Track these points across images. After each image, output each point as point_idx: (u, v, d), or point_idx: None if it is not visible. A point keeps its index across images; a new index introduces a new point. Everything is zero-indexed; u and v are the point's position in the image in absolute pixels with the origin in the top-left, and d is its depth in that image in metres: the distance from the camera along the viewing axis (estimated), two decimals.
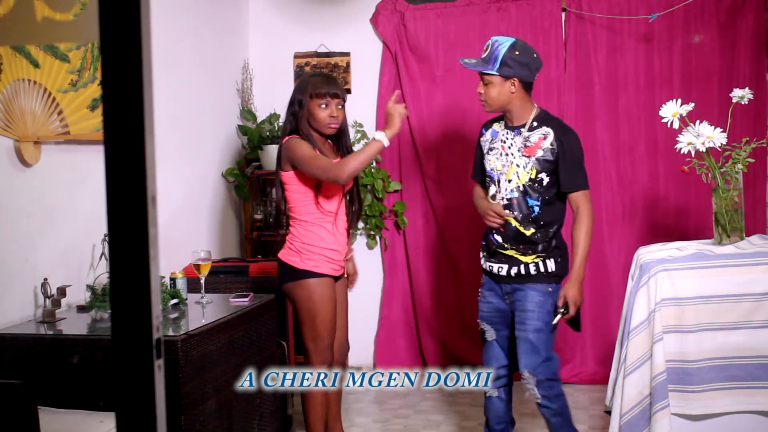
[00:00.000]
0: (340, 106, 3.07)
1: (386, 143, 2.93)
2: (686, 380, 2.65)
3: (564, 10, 4.51)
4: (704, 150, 2.82)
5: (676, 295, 2.67)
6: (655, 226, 4.43)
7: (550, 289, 2.91)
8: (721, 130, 2.82)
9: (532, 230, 2.90)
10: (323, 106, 3.02)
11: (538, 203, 2.89)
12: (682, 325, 2.66)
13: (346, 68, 4.83)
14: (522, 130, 2.93)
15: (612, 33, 4.47)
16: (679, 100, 2.92)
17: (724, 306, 2.64)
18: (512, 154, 2.93)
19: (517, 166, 2.91)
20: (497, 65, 2.86)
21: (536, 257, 2.91)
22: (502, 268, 2.97)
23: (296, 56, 4.89)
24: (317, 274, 3.01)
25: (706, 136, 2.80)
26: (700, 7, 4.33)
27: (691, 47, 4.38)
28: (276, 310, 3.40)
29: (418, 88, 4.69)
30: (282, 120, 4.84)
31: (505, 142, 2.98)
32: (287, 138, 3.03)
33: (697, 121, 2.87)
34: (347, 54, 4.83)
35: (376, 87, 4.78)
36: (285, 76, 4.91)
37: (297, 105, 3.04)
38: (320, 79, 3.08)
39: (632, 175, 4.49)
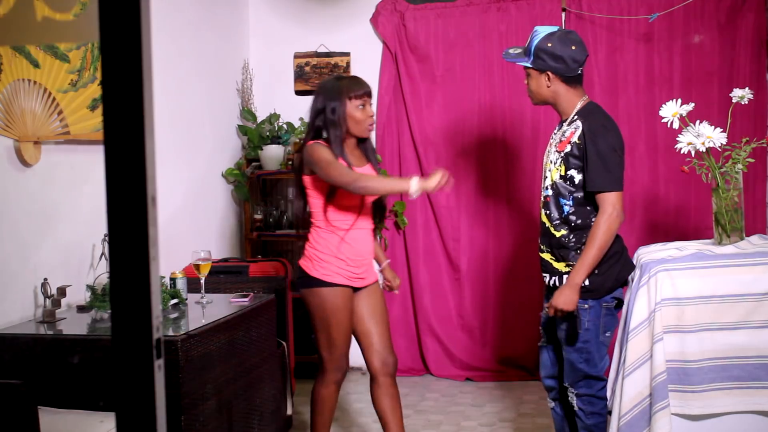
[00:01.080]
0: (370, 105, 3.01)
1: (412, 192, 2.73)
2: (686, 380, 2.65)
3: (564, 10, 4.51)
4: (704, 150, 2.82)
5: (676, 295, 2.67)
6: (655, 226, 4.43)
7: (586, 306, 2.69)
8: (721, 130, 2.82)
9: (563, 232, 2.73)
10: (361, 107, 2.93)
11: (570, 203, 2.71)
12: (682, 325, 2.66)
13: (346, 68, 4.82)
14: (564, 124, 2.78)
15: (612, 33, 4.47)
16: (679, 100, 2.92)
17: (724, 306, 2.64)
18: (550, 151, 2.81)
19: (552, 162, 2.77)
20: (531, 57, 2.73)
21: (568, 266, 2.73)
22: (545, 276, 2.83)
23: (296, 56, 4.89)
24: (329, 283, 2.94)
25: (706, 136, 2.80)
26: (700, 7, 4.33)
27: (691, 47, 4.38)
28: (276, 310, 3.39)
29: (418, 88, 4.70)
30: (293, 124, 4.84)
31: (553, 137, 2.85)
32: (311, 142, 2.92)
33: (697, 121, 2.87)
34: (347, 54, 4.84)
35: (376, 87, 4.78)
36: (285, 76, 4.92)
37: (330, 112, 2.90)
38: (350, 80, 2.98)
39: (632, 175, 4.48)
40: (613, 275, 2.73)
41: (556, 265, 2.76)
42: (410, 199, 2.77)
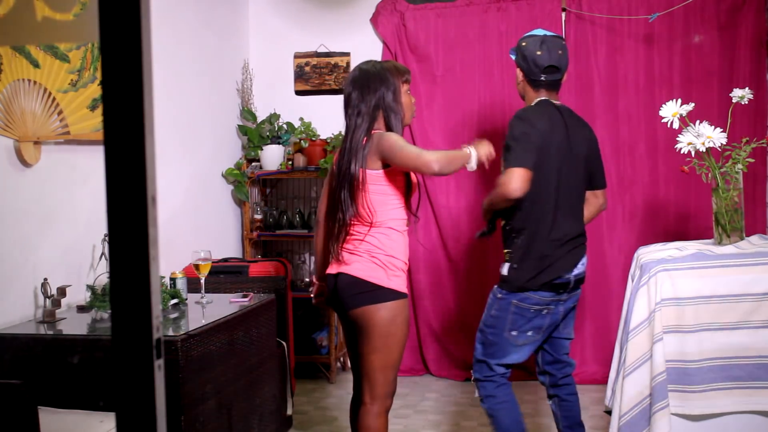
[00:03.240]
0: None
1: (473, 165, 2.57)
2: (686, 380, 2.65)
3: (564, 10, 4.51)
4: (704, 150, 2.82)
5: (676, 295, 2.67)
6: (655, 226, 4.43)
7: (499, 294, 2.78)
8: (721, 130, 2.82)
9: (504, 221, 2.82)
10: (408, 92, 2.72)
11: None
12: (682, 325, 2.66)
13: (346, 68, 4.83)
14: None
15: (612, 33, 4.47)
16: (679, 100, 2.92)
17: (724, 306, 2.64)
18: None
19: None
20: (515, 53, 2.88)
21: (505, 253, 2.81)
22: None
23: (296, 56, 4.89)
24: (402, 294, 2.60)
25: (706, 136, 2.80)
26: (700, 7, 4.33)
27: (691, 47, 4.38)
28: (276, 310, 3.39)
29: (418, 88, 4.70)
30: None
31: None
32: (376, 131, 2.61)
33: (697, 121, 2.87)
34: (347, 54, 4.84)
35: None
36: (285, 76, 4.92)
37: (390, 99, 2.62)
38: (395, 65, 2.73)
39: (632, 175, 4.49)
40: (528, 275, 2.72)
41: (504, 251, 2.83)
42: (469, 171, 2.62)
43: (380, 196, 2.57)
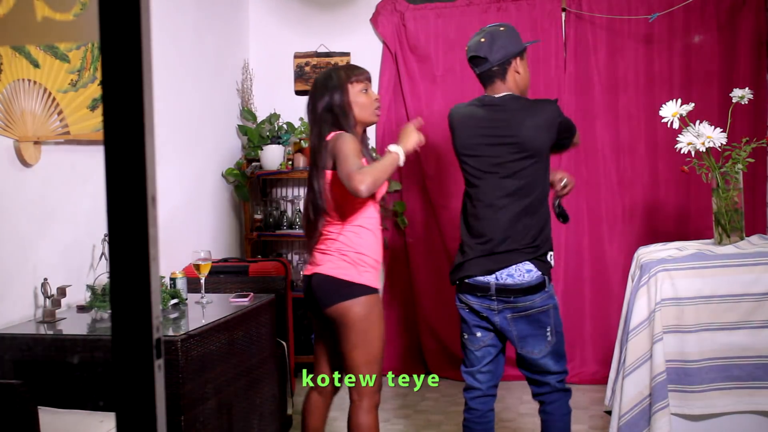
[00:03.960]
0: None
1: (401, 157, 2.62)
2: (686, 380, 2.65)
3: (564, 10, 4.51)
4: (704, 150, 2.82)
5: (676, 295, 2.67)
6: (655, 226, 4.43)
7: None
8: (721, 130, 2.82)
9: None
10: (364, 91, 2.74)
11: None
12: (682, 325, 2.66)
13: None
14: None
15: (612, 33, 4.47)
16: (679, 100, 2.92)
17: (724, 306, 2.64)
18: None
19: None
20: None
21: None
22: None
23: (296, 56, 4.89)
24: (374, 289, 2.67)
25: (706, 136, 2.80)
26: (700, 7, 4.33)
27: (691, 47, 4.38)
28: (276, 310, 3.39)
29: (418, 88, 4.70)
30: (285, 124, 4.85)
31: None
32: (334, 133, 2.66)
33: (697, 121, 2.87)
34: (347, 54, 4.84)
35: (376, 87, 4.78)
36: (285, 76, 4.92)
37: (337, 101, 2.70)
38: (345, 68, 2.78)
39: (632, 175, 4.49)
40: (457, 266, 2.74)
41: None
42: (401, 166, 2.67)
43: (347, 195, 2.60)
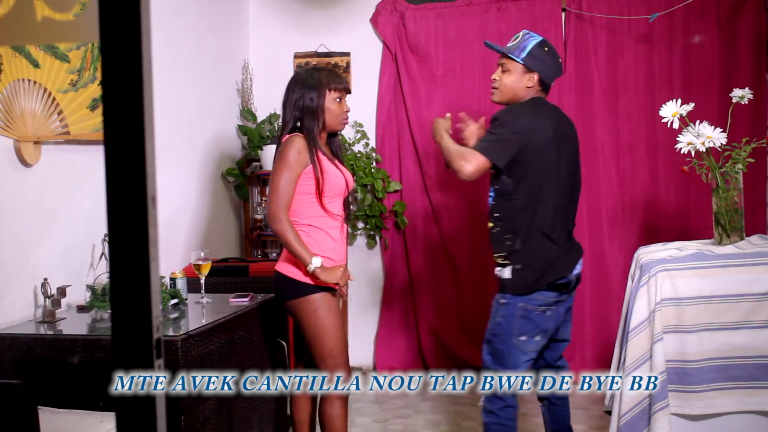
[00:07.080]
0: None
1: (311, 266, 2.70)
2: (686, 380, 2.65)
3: (564, 10, 4.51)
4: (704, 150, 2.82)
5: (676, 295, 2.67)
6: (655, 226, 4.43)
7: (502, 300, 2.74)
8: (721, 130, 2.82)
9: (491, 224, 2.78)
10: (338, 100, 2.84)
11: (492, 194, 2.78)
12: (682, 325, 2.66)
13: (346, 68, 4.83)
14: None
15: (612, 33, 4.47)
16: (679, 100, 2.92)
17: (724, 306, 2.64)
18: None
19: None
20: (524, 54, 2.79)
21: (498, 257, 2.76)
22: None
23: (296, 56, 4.89)
24: (318, 288, 2.77)
25: (706, 136, 2.80)
26: (700, 7, 4.33)
27: (691, 47, 4.38)
28: (276, 310, 3.39)
29: (418, 88, 4.70)
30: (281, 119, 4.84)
31: None
32: (288, 136, 2.80)
33: (697, 121, 2.87)
34: (347, 54, 4.84)
35: (376, 87, 4.78)
36: (285, 76, 4.87)
37: (309, 100, 2.80)
38: (328, 73, 2.87)
39: (632, 175, 4.49)
40: (533, 276, 2.69)
41: (494, 255, 2.79)
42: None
43: (299, 195, 2.77)
